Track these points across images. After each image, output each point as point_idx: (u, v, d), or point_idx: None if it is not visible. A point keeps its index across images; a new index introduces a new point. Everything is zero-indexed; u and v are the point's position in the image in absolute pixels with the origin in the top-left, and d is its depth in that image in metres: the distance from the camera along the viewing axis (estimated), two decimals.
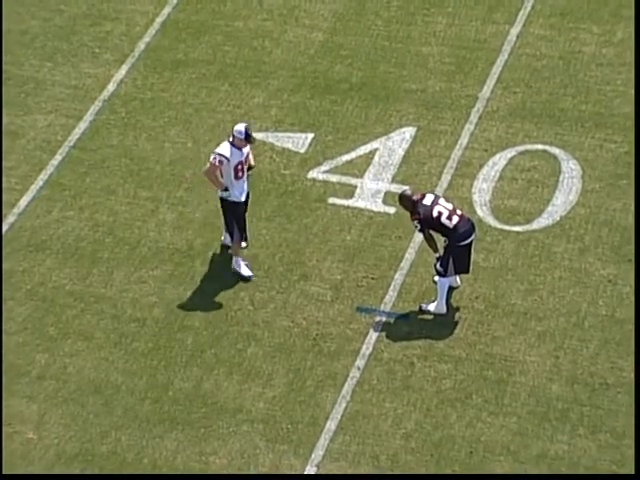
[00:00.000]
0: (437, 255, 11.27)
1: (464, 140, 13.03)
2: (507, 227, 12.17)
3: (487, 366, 10.97)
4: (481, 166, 12.75)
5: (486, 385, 10.83)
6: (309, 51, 14.20)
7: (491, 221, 12.25)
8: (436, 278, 11.39)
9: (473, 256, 11.38)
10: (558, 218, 12.21)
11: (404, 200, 11.19)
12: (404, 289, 11.66)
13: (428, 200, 11.12)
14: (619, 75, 13.46)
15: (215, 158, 11.47)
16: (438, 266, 11.24)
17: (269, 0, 14.84)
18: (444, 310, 11.35)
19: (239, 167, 11.54)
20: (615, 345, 11.05)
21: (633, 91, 13.27)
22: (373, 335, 11.31)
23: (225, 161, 11.44)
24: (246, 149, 11.59)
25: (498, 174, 12.67)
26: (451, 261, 11.14)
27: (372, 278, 11.78)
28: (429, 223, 11.07)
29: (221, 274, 11.94)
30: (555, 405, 10.64)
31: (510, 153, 12.85)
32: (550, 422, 10.53)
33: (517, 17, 14.21)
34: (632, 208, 12.16)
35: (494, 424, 10.55)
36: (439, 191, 12.48)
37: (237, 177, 11.55)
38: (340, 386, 10.91)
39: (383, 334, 11.32)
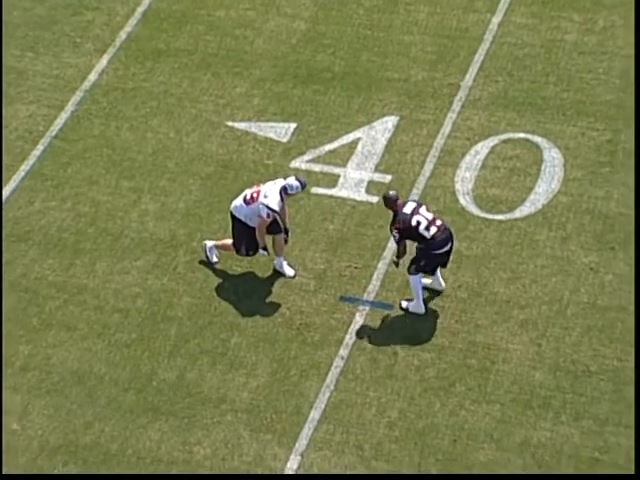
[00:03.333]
0: (396, 260, 11.16)
1: (446, 129, 13.04)
2: (490, 216, 12.19)
3: (470, 354, 11.01)
4: (463, 155, 12.77)
5: (469, 373, 10.86)
6: (291, 40, 14.17)
7: (474, 210, 12.27)
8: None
9: (452, 254, 11.28)
10: (540, 206, 12.24)
11: (389, 202, 11.07)
12: (387, 278, 11.67)
13: (408, 208, 11.01)
14: (601, 63, 13.49)
15: (269, 215, 11.17)
16: (409, 266, 11.17)
17: None
18: (422, 310, 11.27)
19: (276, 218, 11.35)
20: (597, 332, 11.10)
21: (615, 79, 13.30)
22: (357, 324, 11.33)
23: (275, 216, 11.27)
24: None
25: (480, 163, 12.69)
26: (422, 262, 11.06)
27: (355, 267, 11.79)
28: (408, 233, 10.96)
29: (204, 264, 11.93)
30: (538, 392, 10.69)
31: (492, 142, 12.87)
32: (533, 409, 10.57)
33: (498, 6, 14.21)
34: (614, 196, 12.19)
35: (477, 412, 10.59)
36: (422, 180, 12.50)
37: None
38: (324, 375, 10.93)
39: (367, 323, 11.34)
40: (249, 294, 11.66)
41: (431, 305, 11.39)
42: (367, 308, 11.46)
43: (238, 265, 11.89)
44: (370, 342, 11.18)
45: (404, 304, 11.39)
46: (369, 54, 13.91)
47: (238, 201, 11.47)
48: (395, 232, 11.02)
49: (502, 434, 10.43)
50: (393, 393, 10.78)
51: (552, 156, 12.66)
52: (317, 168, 12.81)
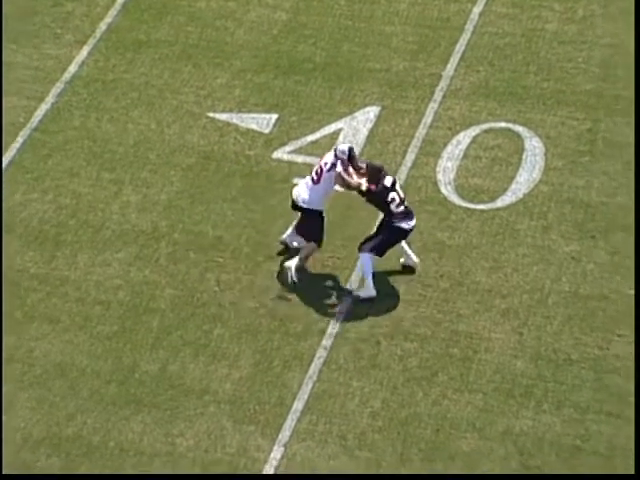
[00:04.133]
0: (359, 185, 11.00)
1: (428, 119, 13.06)
2: (471, 205, 12.22)
3: (452, 344, 11.04)
4: (445, 145, 12.79)
5: (452, 363, 10.90)
6: (272, 31, 14.15)
7: (455, 199, 12.30)
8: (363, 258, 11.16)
9: (437, 235, 11.40)
10: (522, 196, 12.28)
11: (373, 169, 11.09)
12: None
13: (388, 182, 11.13)
14: (580, 52, 13.52)
15: (343, 162, 11.08)
16: (362, 243, 11.11)
17: None
18: (373, 292, 11.22)
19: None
20: (579, 321, 11.15)
21: (594, 68, 13.34)
22: (339, 315, 11.34)
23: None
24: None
25: (462, 152, 12.72)
26: (378, 239, 11.06)
27: (338, 258, 11.80)
28: (376, 201, 11.07)
29: (187, 256, 11.92)
30: (520, 381, 10.74)
31: (474, 131, 12.89)
32: (515, 398, 10.62)
33: None
34: (595, 185, 12.23)
35: (460, 401, 10.63)
36: (403, 170, 12.51)
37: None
38: (307, 366, 10.94)
39: (349, 313, 11.35)
40: (231, 285, 11.66)
41: (413, 295, 11.42)
42: (350, 298, 11.47)
43: (220, 256, 11.88)
44: (353, 332, 11.20)
45: (355, 294, 11.33)
46: (350, 44, 13.91)
47: (303, 191, 11.25)
48: (365, 190, 11.00)
49: (484, 423, 10.47)
50: (376, 383, 10.81)
51: (533, 145, 12.69)
52: (299, 159, 12.80)
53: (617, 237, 11.78)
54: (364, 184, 11.07)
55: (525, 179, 12.42)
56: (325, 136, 13.01)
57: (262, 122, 13.19)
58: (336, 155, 11.27)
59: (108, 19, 14.37)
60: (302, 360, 11.00)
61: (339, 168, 11.22)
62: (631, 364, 10.72)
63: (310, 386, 10.82)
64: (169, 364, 11.05)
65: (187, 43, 14.06)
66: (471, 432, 10.42)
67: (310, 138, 13.00)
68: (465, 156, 12.71)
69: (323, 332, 11.20)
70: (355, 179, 11.16)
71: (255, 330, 11.28)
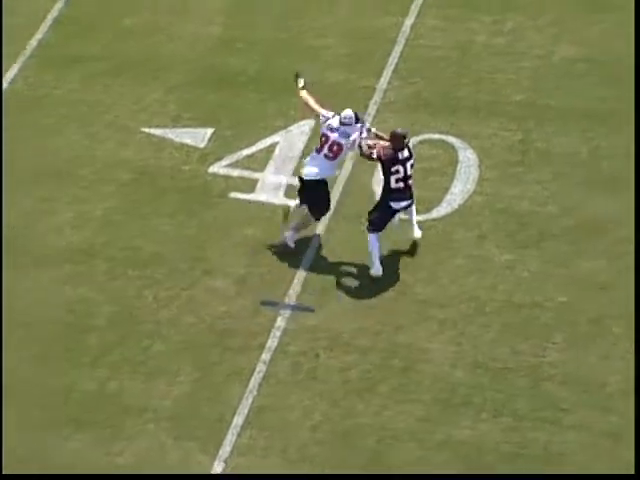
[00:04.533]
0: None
1: (363, 132, 13.12)
2: (408, 216, 12.31)
3: (392, 355, 11.11)
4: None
5: (392, 374, 10.97)
6: (205, 45, 14.14)
7: None
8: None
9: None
10: (457, 206, 12.41)
11: (395, 138, 11.38)
12: (308, 281, 11.72)
13: (401, 154, 11.40)
14: (510, 64, 13.73)
15: (362, 133, 11.52)
16: (367, 225, 11.56)
17: None
18: (379, 271, 11.57)
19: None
20: (514, 329, 11.30)
21: (524, 80, 13.54)
22: (278, 328, 11.35)
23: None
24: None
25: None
26: (376, 216, 11.53)
27: (276, 271, 11.82)
28: (383, 165, 11.43)
29: (124, 272, 11.84)
30: (458, 390, 10.84)
31: (408, 143, 12.98)
32: (454, 408, 10.72)
33: (411, 8, 14.37)
34: (528, 194, 12.41)
35: (400, 412, 10.69)
36: (341, 180, 12.58)
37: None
38: (247, 381, 10.93)
39: (288, 327, 11.37)
40: (169, 301, 11.60)
41: (353, 307, 11.47)
42: (289, 312, 11.49)
43: (158, 272, 11.82)
44: (292, 346, 11.22)
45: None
46: (283, 58, 13.95)
47: (318, 168, 11.55)
48: (375, 156, 11.41)
49: (425, 433, 10.55)
50: (316, 396, 10.84)
51: (467, 156, 12.84)
52: (235, 173, 12.80)
53: (549, 245, 11.96)
54: (374, 154, 11.43)
55: (460, 190, 12.56)
56: (261, 150, 13.03)
57: (197, 136, 13.16)
58: (343, 123, 11.54)
59: (39, 35, 14.24)
60: (242, 375, 10.98)
61: (363, 135, 11.54)
62: (565, 371, 10.89)
63: (250, 401, 10.81)
64: (108, 382, 10.95)
65: (119, 58, 13.99)
66: (412, 442, 10.49)
67: (246, 152, 13.00)
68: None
69: (262, 346, 11.20)
70: (368, 149, 11.47)
71: (194, 346, 11.24)
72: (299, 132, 13.18)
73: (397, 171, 11.35)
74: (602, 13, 14.25)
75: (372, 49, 13.96)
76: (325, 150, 11.55)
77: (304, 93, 11.99)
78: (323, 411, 10.72)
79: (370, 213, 11.63)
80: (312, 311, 11.46)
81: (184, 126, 13.28)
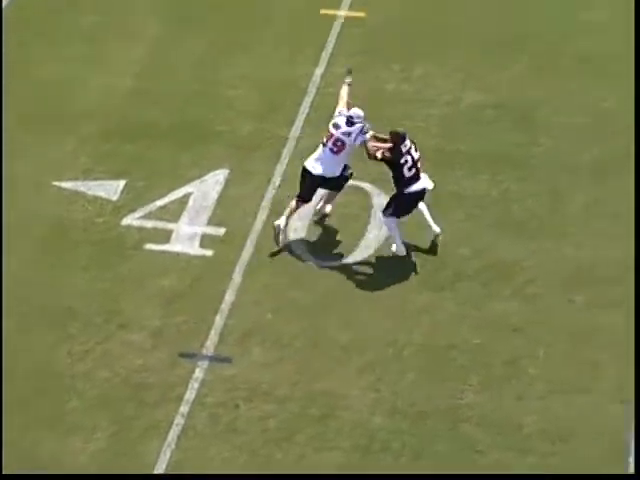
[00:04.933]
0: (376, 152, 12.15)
1: (277, 180, 13.20)
2: (324, 263, 12.37)
3: (310, 403, 11.08)
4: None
5: (310, 422, 10.93)
6: (117, 96, 14.11)
7: (308, 258, 12.42)
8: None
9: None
10: (372, 251, 12.49)
11: (394, 136, 12.05)
12: (225, 332, 11.67)
13: (404, 147, 12.03)
14: (419, 111, 13.93)
15: (365, 132, 12.14)
16: (384, 209, 12.26)
17: (75, 46, 14.70)
18: (403, 251, 12.23)
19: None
20: (432, 373, 11.36)
21: (433, 126, 13.71)
22: (196, 380, 11.26)
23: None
24: None
25: (312, 211, 12.88)
26: (394, 205, 12.16)
27: (193, 323, 11.75)
28: (390, 163, 12.08)
29: (37, 328, 11.65)
30: (377, 436, 10.84)
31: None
32: (373, 454, 10.71)
33: (321, 57, 14.54)
34: (441, 236, 12.53)
35: (319, 460, 10.65)
36: (255, 231, 12.59)
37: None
38: (165, 434, 10.80)
39: (206, 378, 11.28)
40: (84, 355, 11.44)
41: (271, 356, 11.43)
42: (206, 363, 11.41)
43: (72, 327, 11.66)
44: (211, 397, 11.12)
45: (392, 248, 12.24)
46: (196, 108, 13.98)
47: (324, 164, 12.22)
48: (380, 157, 12.06)
49: None
50: (235, 448, 10.74)
51: (381, 202, 12.94)
52: (149, 224, 12.73)
53: (463, 287, 12.09)
54: (379, 155, 12.08)
55: (375, 235, 12.65)
56: (174, 201, 12.99)
57: (110, 189, 13.08)
58: (352, 122, 12.15)
59: None
60: (159, 429, 10.85)
61: (367, 136, 12.15)
62: (482, 413, 10.96)
63: (168, 455, 10.67)
64: (22, 439, 10.73)
65: (29, 110, 13.88)
66: None
67: (159, 203, 12.95)
68: (315, 214, 12.87)
69: (180, 398, 11.09)
70: (374, 150, 12.13)
71: (110, 400, 11.08)
72: (213, 181, 13.18)
73: (406, 161, 11.99)
74: (509, 59, 14.58)
75: (284, 98, 14.07)
76: (330, 144, 12.24)
77: (345, 90, 12.58)
78: (242, 463, 10.62)
79: (389, 203, 12.21)
80: (230, 362, 11.39)
81: (96, 179, 13.19)
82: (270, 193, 13.04)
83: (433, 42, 14.75)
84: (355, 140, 12.17)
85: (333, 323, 11.76)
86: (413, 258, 12.34)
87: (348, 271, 12.26)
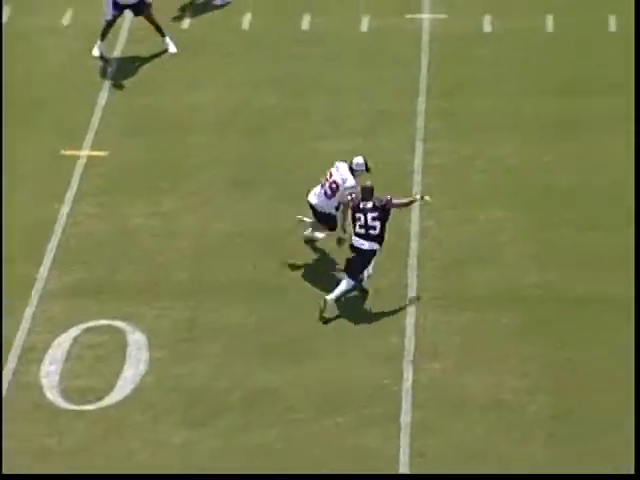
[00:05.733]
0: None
1: (26, 324, 12.84)
2: (78, 407, 12.01)
3: None
4: (46, 349, 12.56)
5: None
6: None
7: (62, 403, 12.05)
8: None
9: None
10: (129, 391, 12.23)
11: (364, 190, 12.90)
12: None
13: (363, 204, 12.83)
14: (171, 243, 13.85)
15: (351, 194, 12.90)
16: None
17: None
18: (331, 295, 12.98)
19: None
20: None
21: (185, 258, 13.54)
22: None
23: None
24: None
25: (65, 354, 12.55)
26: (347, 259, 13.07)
27: None
28: (354, 212, 12.94)
29: None
30: None
31: (74, 332, 12.79)
32: None
33: (66, 196, 14.34)
34: (198, 370, 12.39)
35: None
36: (6, 380, 12.12)
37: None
38: None
39: None
40: None
41: None
42: None
43: None
44: None
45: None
46: None
47: (319, 199, 13.18)
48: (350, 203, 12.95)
49: None
50: None
51: (136, 339, 12.76)
52: None
53: (223, 420, 11.93)
54: (351, 201, 12.96)
55: (131, 374, 12.41)
56: None
57: None
58: (353, 170, 13.05)
59: None
60: None
61: (354, 191, 12.92)
62: None
63: None
64: None
65: None
66: None
67: None
68: (68, 358, 12.53)
69: None
70: (351, 198, 12.98)
71: None
72: None
73: (359, 218, 12.79)
74: (245, 190, 14.57)
75: (31, 239, 13.77)
76: (326, 187, 13.18)
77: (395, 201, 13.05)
78: None
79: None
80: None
81: None
82: (20, 340, 12.62)
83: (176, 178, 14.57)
84: (347, 189, 13.01)
85: (89, 468, 11.30)
86: (169, 394, 12.10)
87: (104, 413, 11.91)
